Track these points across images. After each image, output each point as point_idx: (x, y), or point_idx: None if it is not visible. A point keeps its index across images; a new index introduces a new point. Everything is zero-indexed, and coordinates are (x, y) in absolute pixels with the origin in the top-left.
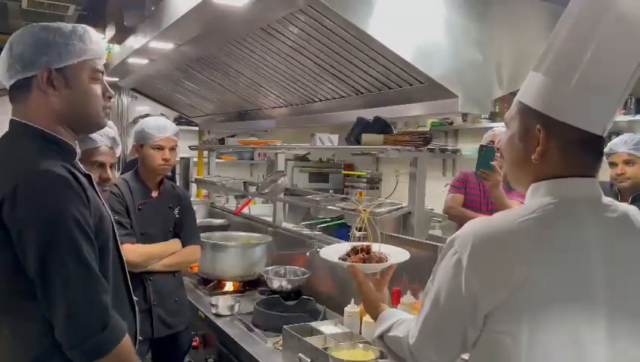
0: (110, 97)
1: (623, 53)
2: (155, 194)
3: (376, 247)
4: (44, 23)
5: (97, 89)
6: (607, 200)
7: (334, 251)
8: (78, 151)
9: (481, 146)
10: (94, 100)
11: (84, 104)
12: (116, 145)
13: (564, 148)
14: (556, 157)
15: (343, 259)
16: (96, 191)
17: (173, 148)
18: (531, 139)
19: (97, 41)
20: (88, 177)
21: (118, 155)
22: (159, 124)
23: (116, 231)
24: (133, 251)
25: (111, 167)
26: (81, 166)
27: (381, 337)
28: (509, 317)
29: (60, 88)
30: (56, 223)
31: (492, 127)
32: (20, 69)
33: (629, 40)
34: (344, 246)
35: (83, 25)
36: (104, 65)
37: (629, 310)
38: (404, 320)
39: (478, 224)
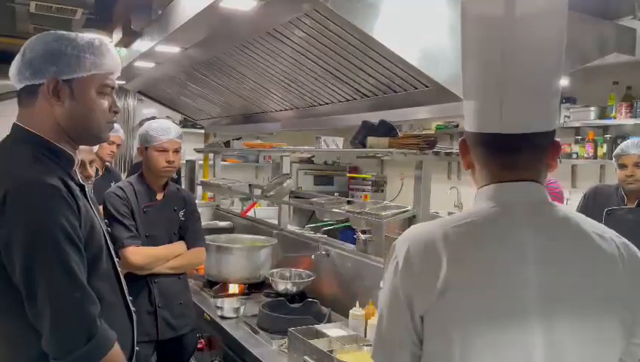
0: (116, 112)
1: (486, 49)
2: (159, 196)
3: None
4: (60, 32)
5: (104, 103)
6: (551, 203)
7: None
8: (77, 159)
9: None
10: (98, 115)
11: (87, 118)
12: None
13: (478, 153)
14: (477, 164)
15: None
16: (89, 202)
17: (177, 151)
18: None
19: (113, 56)
20: (82, 187)
21: (95, 151)
22: (162, 126)
23: (121, 234)
24: (138, 254)
25: (90, 164)
26: (78, 175)
27: None
28: (439, 323)
29: (65, 99)
30: (43, 233)
31: None
32: (29, 76)
33: (489, 35)
34: None
35: (102, 38)
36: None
37: (564, 310)
38: None
39: (417, 227)
